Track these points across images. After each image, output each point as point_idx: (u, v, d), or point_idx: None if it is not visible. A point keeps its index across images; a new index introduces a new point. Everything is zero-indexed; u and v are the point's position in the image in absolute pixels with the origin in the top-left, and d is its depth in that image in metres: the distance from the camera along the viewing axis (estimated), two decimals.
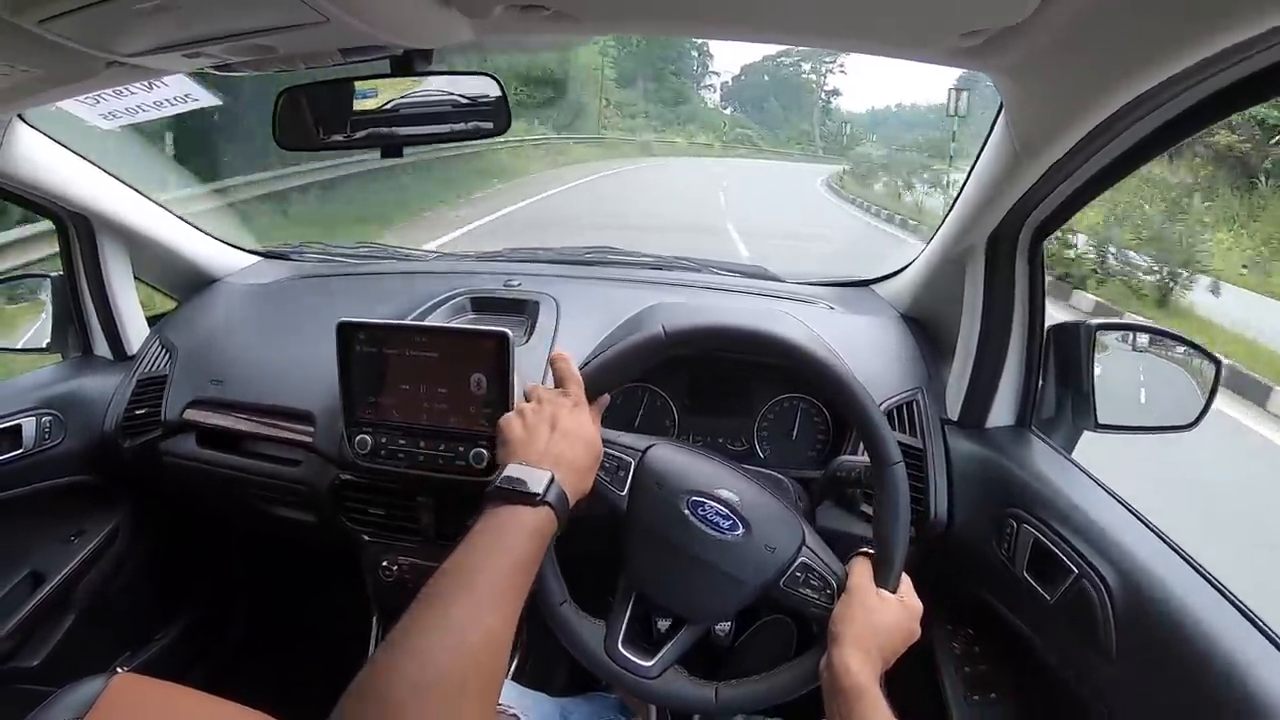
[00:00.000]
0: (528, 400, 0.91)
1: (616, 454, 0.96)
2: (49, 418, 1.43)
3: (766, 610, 1.05)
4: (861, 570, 0.91)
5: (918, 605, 0.92)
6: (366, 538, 1.34)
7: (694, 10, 0.81)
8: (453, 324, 1.38)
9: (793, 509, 0.99)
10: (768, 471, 1.10)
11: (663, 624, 0.98)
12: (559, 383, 0.93)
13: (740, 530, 0.92)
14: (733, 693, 0.93)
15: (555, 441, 0.83)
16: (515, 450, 0.83)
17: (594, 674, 0.96)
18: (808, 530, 0.96)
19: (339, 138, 1.00)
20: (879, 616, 0.87)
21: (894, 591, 0.90)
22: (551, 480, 0.78)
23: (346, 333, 1.15)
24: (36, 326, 1.56)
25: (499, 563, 0.71)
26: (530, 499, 0.76)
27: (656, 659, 0.95)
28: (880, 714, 0.80)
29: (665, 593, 0.96)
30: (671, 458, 0.98)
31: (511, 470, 0.79)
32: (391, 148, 1.00)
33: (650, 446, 0.98)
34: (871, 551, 0.93)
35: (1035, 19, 0.67)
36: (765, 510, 0.95)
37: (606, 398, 0.97)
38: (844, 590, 0.90)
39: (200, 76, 1.07)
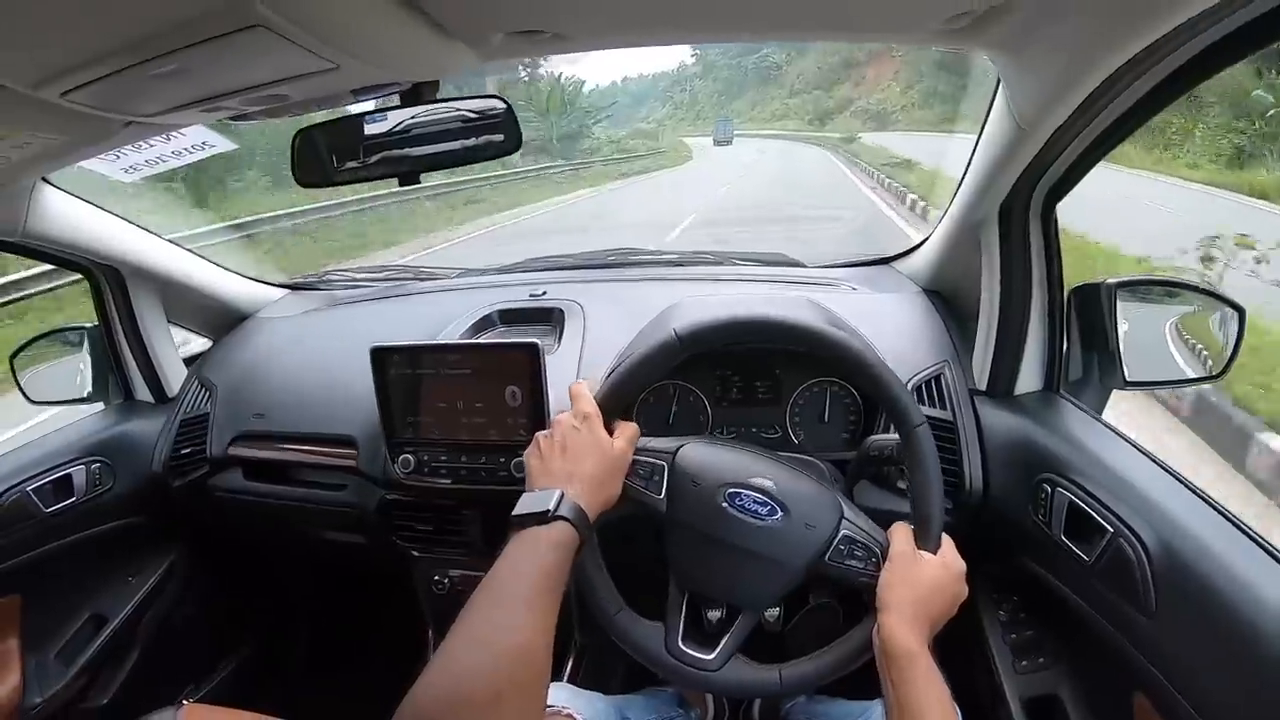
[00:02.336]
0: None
1: (649, 459, 0.98)
2: (97, 464, 1.47)
3: (816, 588, 1.05)
4: (902, 536, 0.92)
5: (960, 565, 0.92)
6: (416, 554, 1.38)
7: (682, 17, 0.82)
8: (483, 339, 1.41)
9: (829, 487, 1.00)
10: (801, 456, 1.11)
11: (713, 614, 0.98)
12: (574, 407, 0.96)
13: (779, 514, 0.93)
14: (796, 671, 0.94)
15: (565, 462, 0.88)
16: (532, 481, 0.88)
17: (658, 674, 0.97)
18: (845, 504, 0.96)
19: (354, 164, 1.01)
20: (922, 581, 0.89)
21: (935, 553, 0.91)
22: (561, 498, 0.82)
23: (380, 357, 1.18)
24: (76, 376, 1.60)
25: (524, 576, 0.75)
26: (542, 517, 0.80)
27: (717, 650, 0.96)
28: (934, 678, 0.81)
29: (715, 586, 0.97)
30: (703, 454, 0.99)
31: (523, 499, 0.84)
32: (408, 175, 1.01)
33: (680, 447, 0.99)
34: (910, 517, 0.94)
35: None
36: (801, 491, 0.96)
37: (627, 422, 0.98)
38: (887, 558, 0.91)
39: (218, 124, 1.09)
